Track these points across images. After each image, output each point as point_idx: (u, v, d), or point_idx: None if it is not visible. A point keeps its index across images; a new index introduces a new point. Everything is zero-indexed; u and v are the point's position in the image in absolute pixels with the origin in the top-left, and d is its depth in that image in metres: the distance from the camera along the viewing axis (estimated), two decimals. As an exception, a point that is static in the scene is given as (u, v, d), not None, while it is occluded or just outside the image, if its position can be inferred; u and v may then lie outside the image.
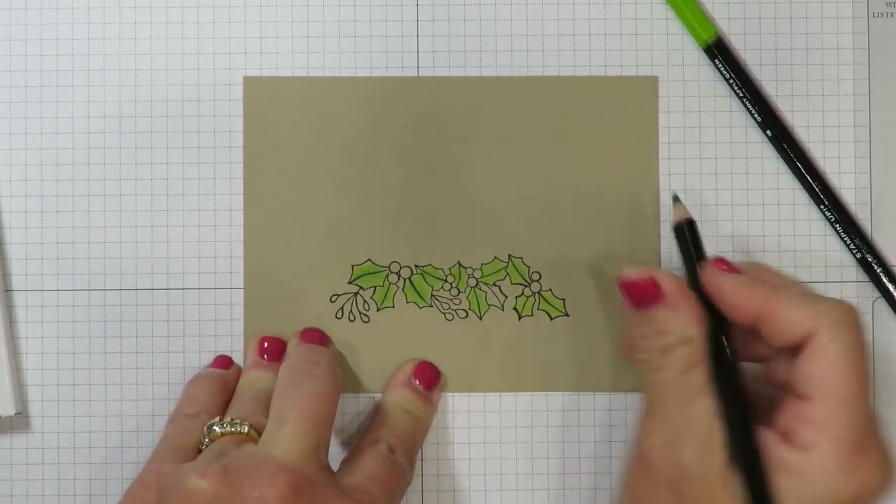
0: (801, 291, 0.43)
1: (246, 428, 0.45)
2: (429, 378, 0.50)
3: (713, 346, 0.43)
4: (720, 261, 0.44)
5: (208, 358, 0.51)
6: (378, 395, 0.51)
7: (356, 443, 0.49)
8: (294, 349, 0.49)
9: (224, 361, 0.50)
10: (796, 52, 0.51)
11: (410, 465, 0.48)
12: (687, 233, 0.45)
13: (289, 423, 0.44)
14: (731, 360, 0.43)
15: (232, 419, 0.46)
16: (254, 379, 0.49)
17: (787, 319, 0.42)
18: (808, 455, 0.40)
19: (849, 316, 0.42)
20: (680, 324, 0.43)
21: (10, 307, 0.50)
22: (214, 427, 0.46)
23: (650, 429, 0.43)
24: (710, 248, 0.51)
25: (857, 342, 0.41)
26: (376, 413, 0.50)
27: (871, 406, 0.42)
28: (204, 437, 0.46)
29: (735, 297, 0.43)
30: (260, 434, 0.45)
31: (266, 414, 0.46)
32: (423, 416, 0.49)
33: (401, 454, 0.47)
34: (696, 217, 0.51)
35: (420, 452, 0.50)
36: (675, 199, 0.47)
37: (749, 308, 0.42)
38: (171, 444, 0.46)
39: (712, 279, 0.44)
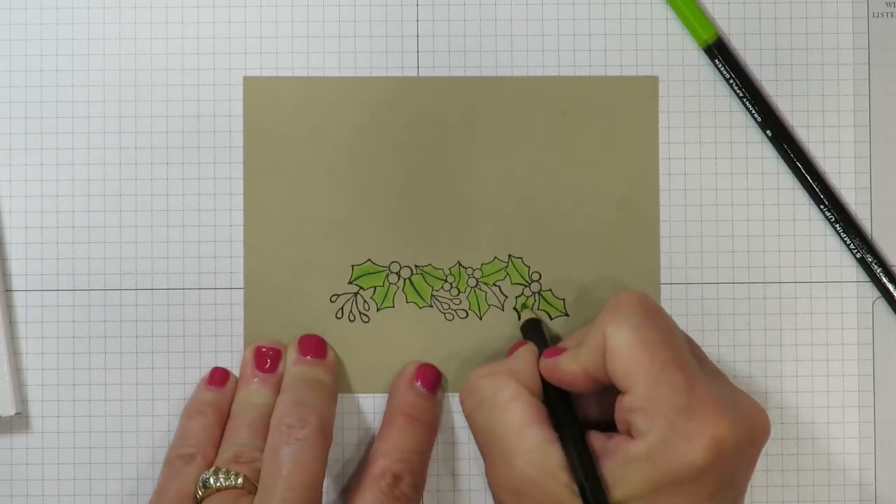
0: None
1: (240, 480, 0.46)
2: (430, 379, 0.50)
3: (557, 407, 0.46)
4: (547, 351, 0.47)
5: (208, 358, 0.51)
6: (378, 395, 0.51)
7: (359, 473, 0.49)
8: (291, 378, 0.49)
9: (220, 377, 0.50)
10: (796, 52, 0.51)
11: (417, 491, 0.48)
12: (529, 330, 0.50)
13: (276, 494, 0.45)
14: (564, 409, 0.46)
15: (227, 470, 0.46)
16: (250, 395, 0.49)
17: (593, 351, 0.44)
18: (646, 439, 0.42)
19: (624, 303, 0.44)
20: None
21: (10, 307, 0.50)
22: (209, 480, 0.46)
23: (489, 472, 0.46)
24: (711, 248, 0.51)
25: (641, 322, 0.43)
26: (382, 426, 0.49)
27: (692, 367, 0.43)
28: (198, 490, 0.46)
29: (562, 374, 0.46)
30: (254, 482, 0.46)
31: (261, 440, 0.47)
32: (428, 419, 0.49)
33: (407, 482, 0.47)
34: (696, 217, 0.51)
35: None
36: (524, 305, 0.51)
37: (573, 373, 0.45)
38: (166, 498, 0.47)
39: (543, 369, 0.47)
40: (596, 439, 0.44)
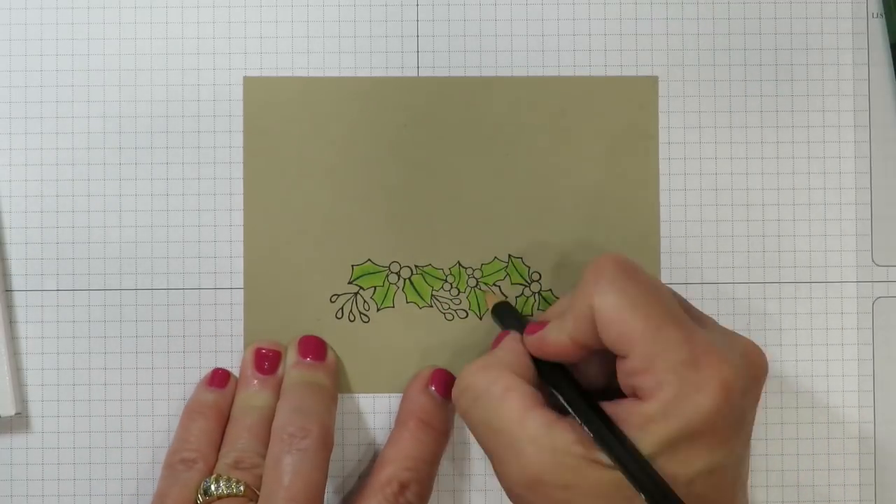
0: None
1: (242, 487, 0.46)
2: (445, 384, 0.50)
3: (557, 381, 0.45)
4: (530, 327, 0.46)
5: (208, 358, 0.51)
6: (378, 396, 0.51)
7: (364, 478, 0.49)
8: (291, 382, 0.49)
9: (220, 378, 0.50)
10: (796, 52, 0.51)
11: (422, 499, 0.48)
12: (501, 313, 0.49)
13: None
14: (564, 378, 0.45)
15: (228, 477, 0.46)
16: (249, 398, 0.49)
17: (581, 319, 0.43)
18: (658, 397, 0.41)
19: (604, 268, 0.43)
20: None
21: (10, 307, 0.50)
22: (211, 487, 0.46)
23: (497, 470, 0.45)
24: (711, 248, 0.51)
25: (626, 284, 0.43)
26: (393, 431, 0.49)
27: (685, 319, 0.43)
28: (199, 497, 0.46)
29: (550, 347, 0.45)
30: (255, 489, 0.46)
31: (261, 444, 0.47)
32: (441, 426, 0.49)
33: (413, 490, 0.47)
34: (696, 217, 0.51)
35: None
36: (479, 290, 0.50)
37: (563, 344, 0.44)
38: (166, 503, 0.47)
39: (529, 345, 0.46)
40: (604, 408, 0.43)
